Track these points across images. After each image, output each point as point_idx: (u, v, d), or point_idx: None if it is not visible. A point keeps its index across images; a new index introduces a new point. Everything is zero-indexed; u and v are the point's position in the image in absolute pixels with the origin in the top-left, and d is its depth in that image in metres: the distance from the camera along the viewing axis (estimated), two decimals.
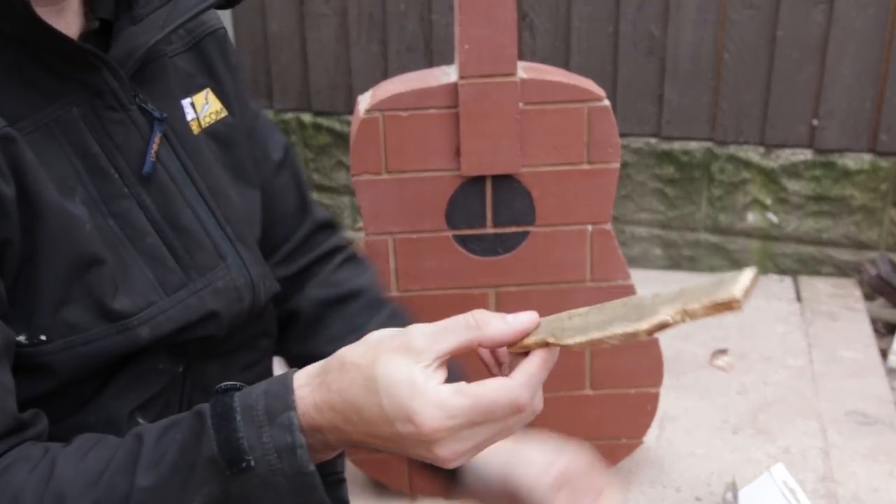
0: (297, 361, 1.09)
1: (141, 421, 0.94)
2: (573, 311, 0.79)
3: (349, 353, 0.76)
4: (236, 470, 0.73)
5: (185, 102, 1.05)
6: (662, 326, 0.71)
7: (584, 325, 0.76)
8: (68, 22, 0.94)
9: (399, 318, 1.16)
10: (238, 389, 0.78)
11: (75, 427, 0.88)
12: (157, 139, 0.98)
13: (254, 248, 1.09)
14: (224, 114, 1.08)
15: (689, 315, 0.71)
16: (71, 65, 0.92)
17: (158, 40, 0.97)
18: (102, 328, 0.89)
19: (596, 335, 0.74)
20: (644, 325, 0.71)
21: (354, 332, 0.92)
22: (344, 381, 0.74)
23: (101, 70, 0.93)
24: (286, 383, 0.76)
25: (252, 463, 0.73)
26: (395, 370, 0.72)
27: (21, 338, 0.85)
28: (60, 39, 0.88)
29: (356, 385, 0.74)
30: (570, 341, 0.75)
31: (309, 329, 1.17)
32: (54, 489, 0.77)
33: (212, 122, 1.06)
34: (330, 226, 1.26)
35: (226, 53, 1.10)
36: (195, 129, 1.05)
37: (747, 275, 0.71)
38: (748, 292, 0.70)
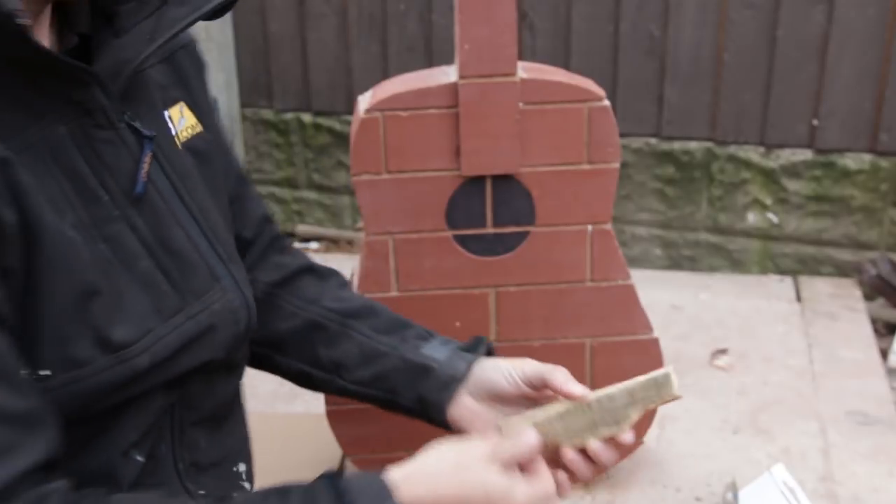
0: (255, 345, 1.13)
1: (138, 458, 0.92)
2: (553, 410, 1.02)
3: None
4: None
5: (165, 116, 1.00)
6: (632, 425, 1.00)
7: (569, 430, 1.01)
8: (42, 38, 0.89)
9: (344, 285, 1.24)
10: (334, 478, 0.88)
11: (71, 471, 0.84)
12: (147, 159, 0.94)
13: (243, 268, 1.06)
14: (199, 129, 1.04)
15: (644, 412, 1.01)
16: (59, 81, 0.86)
17: (149, 55, 0.92)
18: (104, 360, 0.86)
19: (587, 439, 1.01)
20: (625, 427, 0.99)
21: (313, 303, 1.18)
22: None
23: (91, 86, 0.88)
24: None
25: None
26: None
27: (23, 373, 0.81)
28: (49, 55, 0.83)
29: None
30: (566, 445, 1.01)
31: (265, 313, 1.15)
32: None
33: (188, 136, 1.02)
34: (271, 217, 1.24)
35: (198, 66, 1.08)
36: (178, 144, 1.01)
37: (672, 374, 0.99)
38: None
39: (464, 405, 1.12)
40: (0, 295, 0.79)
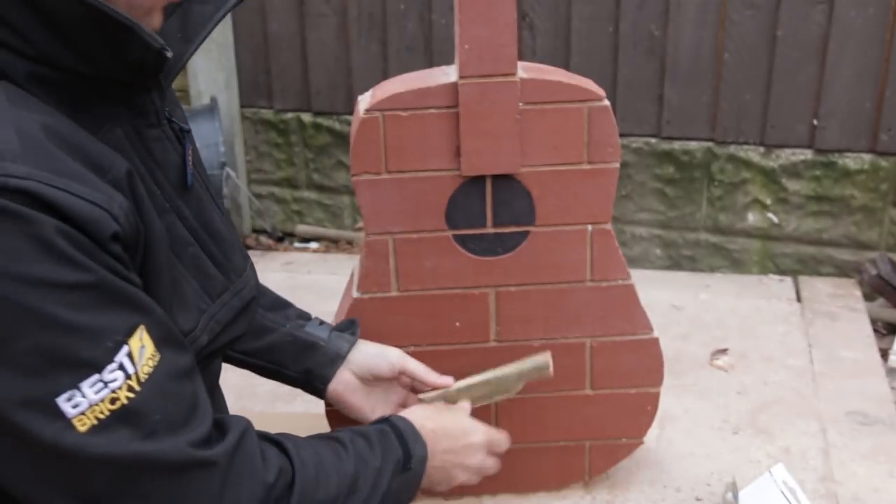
0: None
1: None
2: (462, 384, 1.45)
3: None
4: (406, 469, 1.15)
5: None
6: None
7: (475, 398, 1.45)
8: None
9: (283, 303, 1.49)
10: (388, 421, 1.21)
11: None
12: (190, 152, 1.04)
13: None
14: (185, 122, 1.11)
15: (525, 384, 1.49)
16: (128, 89, 0.94)
17: (191, 53, 0.99)
18: None
19: (487, 402, 1.47)
20: (512, 394, 1.47)
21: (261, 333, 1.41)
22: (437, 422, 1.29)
23: (152, 89, 0.97)
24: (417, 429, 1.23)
25: (411, 466, 1.17)
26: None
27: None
28: (161, 64, 0.92)
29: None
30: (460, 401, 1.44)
31: None
32: (342, 468, 1.06)
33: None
34: None
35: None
36: None
37: (550, 360, 1.46)
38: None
39: (343, 379, 1.41)
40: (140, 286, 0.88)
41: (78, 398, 0.79)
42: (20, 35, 0.84)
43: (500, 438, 1.39)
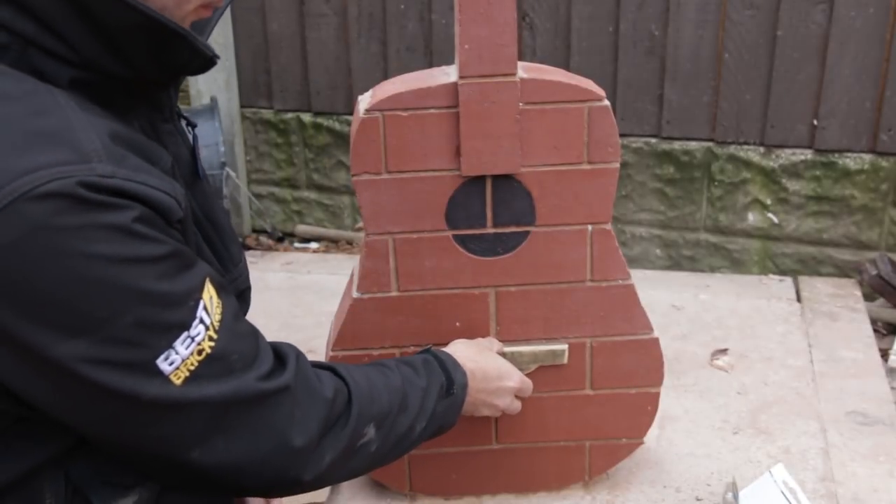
0: None
1: None
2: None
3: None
4: (449, 394, 1.29)
5: None
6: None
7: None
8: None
9: None
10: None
11: None
12: (198, 145, 1.10)
13: None
14: None
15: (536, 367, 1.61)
16: (152, 86, 1.00)
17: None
18: None
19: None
20: (524, 374, 1.53)
21: None
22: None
23: (169, 85, 1.03)
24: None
25: (454, 391, 1.30)
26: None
27: None
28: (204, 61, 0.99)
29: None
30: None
31: None
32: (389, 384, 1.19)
33: None
34: None
35: None
36: None
37: (567, 349, 1.60)
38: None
39: None
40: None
41: (173, 356, 0.90)
42: (67, 43, 0.90)
43: (530, 386, 1.51)
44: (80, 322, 0.86)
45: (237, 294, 1.14)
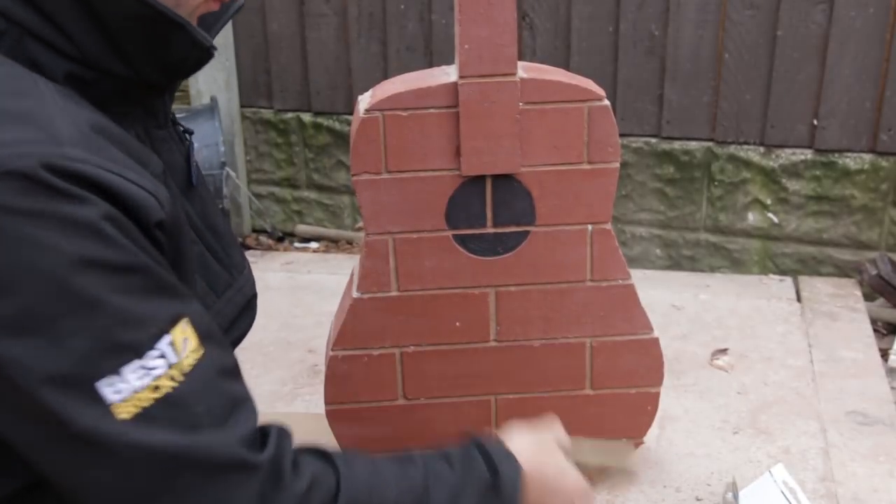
0: None
1: None
2: None
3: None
4: (495, 490, 1.01)
5: None
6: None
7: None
8: None
9: None
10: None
11: None
12: (194, 152, 1.07)
13: None
14: None
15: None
16: (148, 91, 0.97)
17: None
18: None
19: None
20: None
21: None
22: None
23: (164, 91, 1.00)
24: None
25: (500, 487, 1.01)
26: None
27: None
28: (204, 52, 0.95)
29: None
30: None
31: None
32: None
33: None
34: None
35: None
36: None
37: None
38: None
39: None
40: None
41: (119, 384, 0.77)
42: (66, 35, 0.87)
43: (592, 496, 1.18)
44: (17, 314, 0.75)
45: (245, 301, 1.10)
